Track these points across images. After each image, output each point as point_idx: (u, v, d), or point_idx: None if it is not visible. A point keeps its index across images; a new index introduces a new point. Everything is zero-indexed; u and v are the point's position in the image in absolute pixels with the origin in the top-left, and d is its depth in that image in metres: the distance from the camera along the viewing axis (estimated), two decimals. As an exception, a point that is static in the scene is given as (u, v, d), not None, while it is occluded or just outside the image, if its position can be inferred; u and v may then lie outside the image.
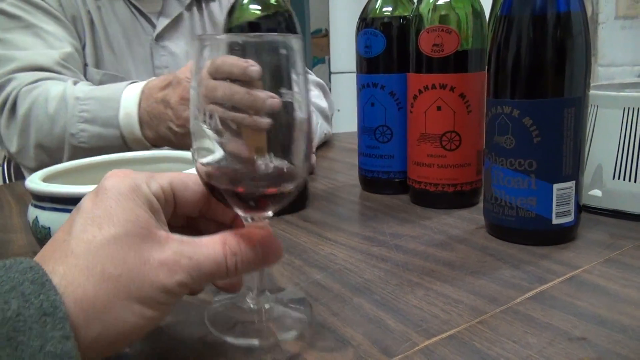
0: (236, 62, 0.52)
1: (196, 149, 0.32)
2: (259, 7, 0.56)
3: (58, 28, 0.84)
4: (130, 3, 0.90)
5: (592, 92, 0.51)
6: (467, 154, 0.58)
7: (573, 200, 0.47)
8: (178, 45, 0.95)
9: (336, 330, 0.35)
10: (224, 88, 0.50)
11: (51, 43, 0.83)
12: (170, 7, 0.93)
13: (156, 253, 0.28)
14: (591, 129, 0.55)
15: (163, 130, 0.69)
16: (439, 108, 0.57)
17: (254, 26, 0.56)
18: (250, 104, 0.39)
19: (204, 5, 0.98)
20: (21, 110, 0.76)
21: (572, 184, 0.47)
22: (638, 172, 0.52)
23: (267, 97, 0.47)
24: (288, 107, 0.32)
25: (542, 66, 0.45)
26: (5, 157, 1.27)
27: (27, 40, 0.82)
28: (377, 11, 0.64)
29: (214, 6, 1.00)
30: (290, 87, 0.32)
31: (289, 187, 0.32)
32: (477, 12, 0.57)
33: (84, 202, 0.30)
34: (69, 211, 0.41)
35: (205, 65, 0.53)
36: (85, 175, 0.51)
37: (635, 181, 0.52)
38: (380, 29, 0.63)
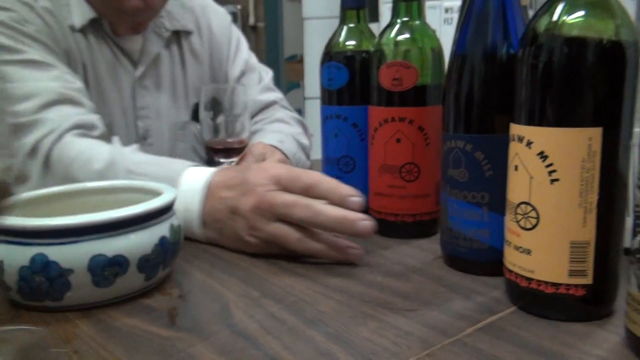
0: (335, 188, 0.55)
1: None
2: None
3: (59, 62, 0.79)
4: (113, 42, 0.87)
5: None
6: (426, 185, 0.59)
7: (524, 232, 0.48)
8: (159, 84, 0.92)
9: (286, 364, 0.35)
10: (303, 209, 0.53)
11: (60, 75, 0.77)
12: (150, 45, 0.90)
13: None
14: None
15: (229, 234, 0.58)
16: (398, 140, 0.59)
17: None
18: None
19: (183, 39, 0.96)
20: (60, 165, 0.68)
21: (523, 216, 0.48)
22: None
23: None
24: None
25: (491, 102, 0.47)
26: None
27: (36, 74, 0.74)
28: (341, 45, 0.66)
29: (194, 38, 0.97)
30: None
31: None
32: (436, 49, 0.59)
33: None
34: (24, 244, 0.42)
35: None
36: (43, 207, 0.51)
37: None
38: (343, 63, 0.65)
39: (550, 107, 0.38)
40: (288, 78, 3.61)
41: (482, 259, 0.49)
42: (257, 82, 1.03)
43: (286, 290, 0.47)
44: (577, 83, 0.37)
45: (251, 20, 3.42)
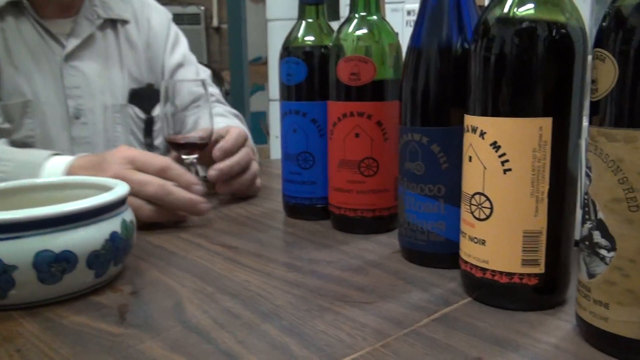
0: (184, 175, 0.65)
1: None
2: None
3: None
4: (38, 23, 0.88)
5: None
6: (385, 180, 0.59)
7: (480, 225, 0.49)
8: (90, 65, 0.93)
9: (239, 358, 0.34)
10: (157, 187, 0.63)
11: None
12: (80, 28, 0.92)
13: None
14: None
15: None
16: (357, 135, 0.58)
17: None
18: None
19: (119, 26, 0.97)
20: None
21: (478, 208, 0.49)
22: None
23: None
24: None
25: (447, 95, 0.47)
26: None
27: None
28: (300, 40, 0.66)
29: (131, 27, 0.99)
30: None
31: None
32: (394, 43, 0.59)
33: None
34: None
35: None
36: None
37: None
38: (302, 58, 0.65)
39: (502, 97, 0.39)
40: (253, 80, 3.59)
41: (438, 251, 0.49)
42: (195, 75, 1.06)
43: (243, 285, 0.47)
44: (528, 74, 0.38)
45: (215, 22, 3.39)
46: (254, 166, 0.78)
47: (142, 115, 1.01)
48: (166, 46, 1.04)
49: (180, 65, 1.05)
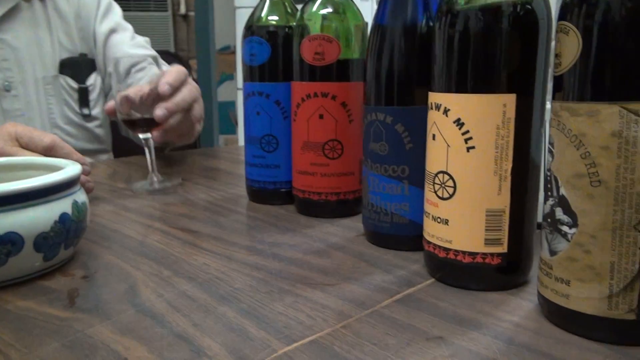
0: (71, 154, 0.66)
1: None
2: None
3: None
4: None
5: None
6: (350, 163, 0.58)
7: (444, 206, 0.48)
8: (18, 37, 0.92)
9: (193, 341, 0.33)
10: None
11: None
12: (3, 0, 0.90)
13: None
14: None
15: None
16: (321, 116, 0.57)
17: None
18: None
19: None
20: None
21: (443, 190, 0.48)
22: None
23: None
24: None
25: (411, 74, 0.46)
26: None
27: None
28: (263, 19, 0.64)
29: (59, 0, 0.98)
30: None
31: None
32: (359, 23, 0.58)
33: None
34: None
35: None
36: None
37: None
38: (265, 38, 0.63)
39: (466, 73, 0.38)
40: (221, 69, 3.55)
41: (403, 233, 0.48)
42: (130, 39, 1.06)
43: (201, 268, 0.45)
44: (491, 50, 0.37)
45: (182, 9, 3.33)
46: (197, 109, 0.76)
47: (75, 85, 1.00)
48: (97, 15, 1.03)
49: (113, 31, 1.04)
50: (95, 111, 1.05)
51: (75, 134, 1.03)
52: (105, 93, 1.09)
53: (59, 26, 0.98)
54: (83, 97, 1.02)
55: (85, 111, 1.02)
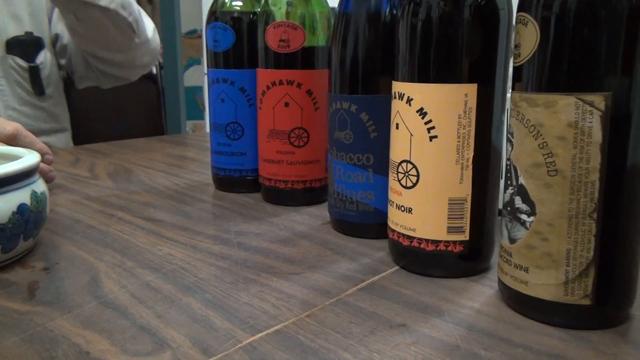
0: (35, 143, 0.65)
1: None
2: None
3: None
4: None
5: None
6: (316, 151, 0.58)
7: (409, 194, 0.49)
8: None
9: (156, 333, 0.33)
10: None
11: None
12: None
13: None
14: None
15: None
16: (286, 104, 0.57)
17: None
18: None
19: None
20: None
21: (407, 178, 0.48)
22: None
23: None
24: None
25: (376, 63, 0.46)
26: None
27: None
28: (227, 5, 0.63)
29: None
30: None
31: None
32: (324, 10, 0.58)
33: None
34: None
35: None
36: None
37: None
38: (229, 24, 0.62)
39: (428, 63, 0.38)
40: (188, 54, 3.49)
41: (368, 221, 0.49)
42: None
43: (165, 259, 0.45)
44: (453, 40, 0.37)
45: (147, -8, 3.25)
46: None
47: (25, 64, 0.98)
48: None
49: None
50: (49, 89, 1.03)
51: (31, 114, 1.01)
52: (59, 69, 1.08)
53: (2, 6, 0.96)
54: (34, 76, 1.00)
55: (38, 90, 1.01)
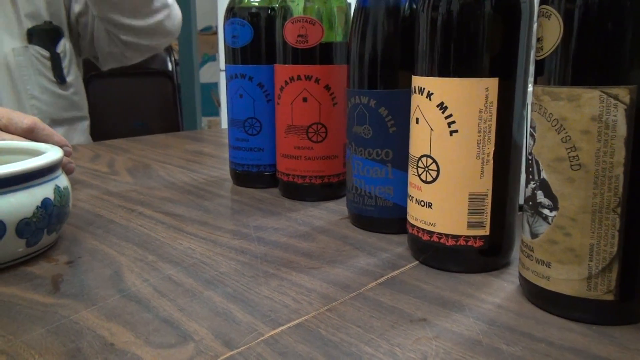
0: (52, 135, 0.66)
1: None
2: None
3: None
4: None
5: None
6: (334, 146, 0.58)
7: (428, 189, 0.49)
8: None
9: (179, 326, 0.33)
10: None
11: None
12: None
13: None
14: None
15: None
16: (305, 99, 0.57)
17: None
18: None
19: None
20: None
21: (426, 173, 0.48)
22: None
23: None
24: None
25: (395, 57, 0.46)
26: None
27: None
28: (245, 1, 0.63)
29: None
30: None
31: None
32: (342, 5, 0.58)
33: None
34: None
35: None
36: None
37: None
38: (247, 19, 0.62)
39: (449, 57, 0.38)
40: (203, 50, 3.50)
41: (386, 216, 0.49)
42: None
43: (186, 253, 0.45)
44: (474, 33, 0.37)
45: (162, -11, 3.27)
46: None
47: (47, 53, 1.00)
48: None
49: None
50: (70, 78, 1.05)
51: (53, 102, 1.03)
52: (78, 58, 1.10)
53: None
54: (56, 64, 1.02)
55: (60, 79, 1.03)
